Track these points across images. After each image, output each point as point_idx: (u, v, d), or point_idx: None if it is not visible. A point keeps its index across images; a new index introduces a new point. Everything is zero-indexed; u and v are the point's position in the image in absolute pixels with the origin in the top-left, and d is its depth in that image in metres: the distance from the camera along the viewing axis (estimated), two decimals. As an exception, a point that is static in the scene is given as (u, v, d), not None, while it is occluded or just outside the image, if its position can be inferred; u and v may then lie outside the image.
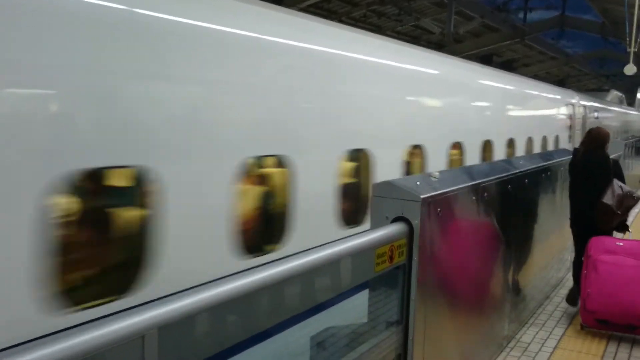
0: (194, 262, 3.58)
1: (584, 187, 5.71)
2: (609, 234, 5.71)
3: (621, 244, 5.36)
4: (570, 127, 14.78)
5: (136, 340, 1.68)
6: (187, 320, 1.85)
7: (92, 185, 3.24)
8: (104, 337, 1.62)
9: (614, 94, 30.36)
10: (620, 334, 5.14)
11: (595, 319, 5.15)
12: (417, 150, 6.54)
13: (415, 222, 3.13)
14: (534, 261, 5.66)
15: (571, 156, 6.20)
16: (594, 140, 5.81)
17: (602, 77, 42.29)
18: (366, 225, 4.97)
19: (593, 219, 5.57)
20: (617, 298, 5.02)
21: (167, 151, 3.44)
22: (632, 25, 18.25)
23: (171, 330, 1.78)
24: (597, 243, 5.36)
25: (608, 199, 5.45)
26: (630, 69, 18.78)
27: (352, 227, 5.18)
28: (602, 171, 5.67)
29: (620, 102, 30.54)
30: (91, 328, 1.62)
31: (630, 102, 37.03)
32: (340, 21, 18.17)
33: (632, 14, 18.06)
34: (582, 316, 5.26)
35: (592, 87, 41.93)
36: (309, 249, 2.58)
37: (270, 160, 4.51)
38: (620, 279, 5.07)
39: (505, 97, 10.42)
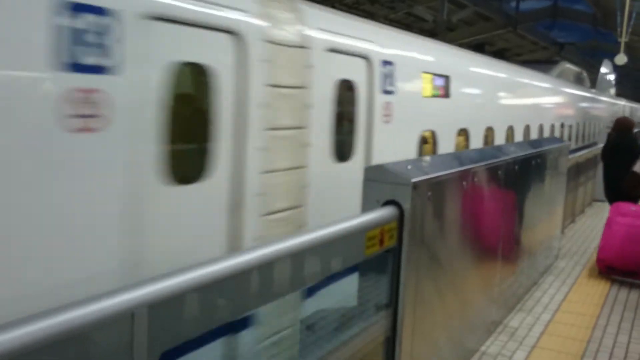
0: None
1: (615, 163, 7.42)
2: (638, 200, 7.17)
3: (634, 208, 6.78)
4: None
5: (125, 317, 1.68)
6: (177, 298, 1.85)
7: None
8: (93, 314, 1.61)
9: (565, 67, 20.84)
10: (606, 319, 5.23)
11: (606, 266, 6.55)
12: None
13: (406, 206, 3.14)
14: (523, 247, 5.70)
15: (560, 144, 6.96)
16: (622, 126, 7.61)
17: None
18: None
19: (622, 189, 6.97)
20: (623, 250, 6.42)
21: None
22: (623, 15, 18.31)
23: (161, 309, 1.78)
24: (615, 207, 6.90)
25: (638, 168, 6.63)
26: (620, 59, 18.85)
27: None
28: (630, 150, 7.20)
29: (577, 80, 21.94)
30: (80, 305, 1.61)
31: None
32: (333, 7, 18.07)
33: (623, 5, 18.11)
34: (597, 264, 6.68)
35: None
36: (300, 231, 2.57)
37: None
38: (626, 236, 6.48)
39: None
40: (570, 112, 16.36)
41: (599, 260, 6.64)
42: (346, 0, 20.47)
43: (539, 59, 28.13)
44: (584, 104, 18.96)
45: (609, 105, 25.45)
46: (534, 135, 11.37)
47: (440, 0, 19.52)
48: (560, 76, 18.63)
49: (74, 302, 1.61)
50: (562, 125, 14.50)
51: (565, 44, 33.67)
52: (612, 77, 30.66)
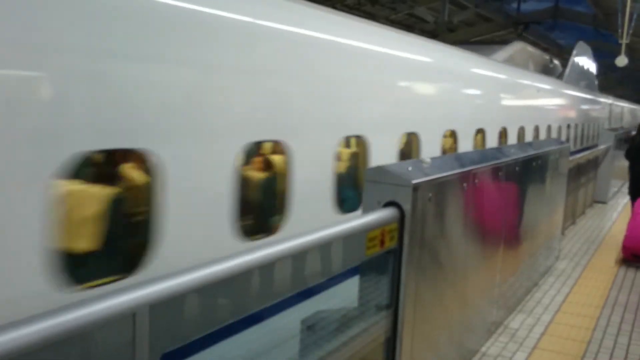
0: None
1: (638, 163, 8.83)
2: None
3: None
4: None
5: (127, 317, 1.68)
6: (178, 299, 1.86)
7: None
8: (95, 314, 1.61)
9: (520, 49, 14.99)
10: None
11: (632, 254, 7.30)
12: None
13: (407, 207, 3.15)
14: (523, 248, 5.71)
15: (561, 146, 7.05)
16: None
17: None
18: None
19: None
20: None
21: None
22: (624, 17, 18.33)
23: (162, 309, 1.78)
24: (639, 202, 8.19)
25: None
26: (621, 61, 18.84)
27: None
28: None
29: (541, 68, 16.60)
30: (82, 305, 1.61)
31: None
32: (334, 8, 18.09)
33: (624, 6, 18.13)
34: (622, 251, 7.47)
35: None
36: (301, 232, 2.58)
37: None
38: None
39: None
40: (519, 112, 11.54)
41: (626, 248, 7.41)
42: (347, 1, 20.51)
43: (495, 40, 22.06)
44: (544, 101, 13.73)
45: (584, 102, 18.47)
46: (428, 150, 6.65)
47: (441, 1, 19.53)
48: (512, 61, 13.37)
49: (76, 302, 1.62)
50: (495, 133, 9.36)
51: (530, 23, 25.35)
52: (591, 65, 22.11)
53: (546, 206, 6.43)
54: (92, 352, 1.70)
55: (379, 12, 22.18)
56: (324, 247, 2.70)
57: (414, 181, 3.17)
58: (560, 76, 18.02)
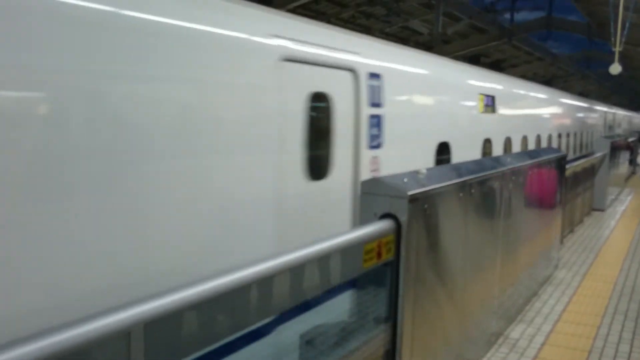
0: None
1: None
2: None
3: None
4: None
5: (122, 336, 1.67)
6: (173, 316, 1.84)
7: None
8: (89, 333, 1.60)
9: None
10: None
11: None
12: None
13: (403, 219, 3.15)
14: (522, 258, 5.69)
15: (558, 154, 6.96)
16: None
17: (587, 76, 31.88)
18: None
19: None
20: None
21: None
22: (617, 25, 18.44)
23: (157, 327, 1.77)
24: None
25: None
26: (615, 69, 18.92)
27: None
28: None
29: None
30: (77, 324, 1.60)
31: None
32: (329, 22, 18.19)
33: (617, 14, 18.25)
34: None
35: (579, 88, 38.78)
36: (298, 245, 2.57)
37: None
38: None
39: None
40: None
41: None
42: (342, 15, 20.64)
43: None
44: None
45: None
46: None
47: (435, 13, 19.65)
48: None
49: (70, 322, 1.60)
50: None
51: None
52: None
53: (544, 215, 6.43)
54: None
55: (374, 25, 22.31)
56: (320, 260, 2.69)
57: (410, 192, 3.17)
58: None
